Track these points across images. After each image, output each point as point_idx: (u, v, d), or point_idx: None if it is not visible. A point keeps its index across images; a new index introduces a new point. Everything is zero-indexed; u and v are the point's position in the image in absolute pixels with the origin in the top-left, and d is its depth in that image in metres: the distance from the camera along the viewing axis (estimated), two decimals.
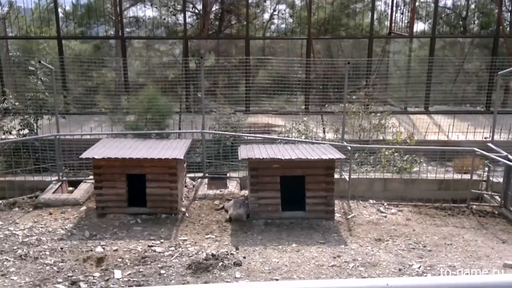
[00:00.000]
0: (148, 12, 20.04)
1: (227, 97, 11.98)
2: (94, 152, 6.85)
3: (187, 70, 11.83)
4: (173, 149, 7.22)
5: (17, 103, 9.74)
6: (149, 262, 5.30)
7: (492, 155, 7.59)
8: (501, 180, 7.89)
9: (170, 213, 7.08)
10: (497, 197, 7.90)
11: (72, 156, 8.62)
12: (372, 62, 12.92)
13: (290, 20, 15.73)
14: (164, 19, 14.35)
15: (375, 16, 14.58)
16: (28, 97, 9.52)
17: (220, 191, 8.05)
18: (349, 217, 7.15)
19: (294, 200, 6.95)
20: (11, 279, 4.81)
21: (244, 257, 5.47)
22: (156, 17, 14.48)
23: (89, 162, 7.84)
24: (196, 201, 7.70)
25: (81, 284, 4.73)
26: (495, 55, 12.94)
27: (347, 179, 8.08)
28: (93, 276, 4.97)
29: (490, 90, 12.83)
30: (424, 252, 5.79)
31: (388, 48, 14.62)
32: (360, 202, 7.87)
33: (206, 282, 4.59)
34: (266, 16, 15.82)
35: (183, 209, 7.31)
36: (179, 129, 10.36)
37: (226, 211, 7.17)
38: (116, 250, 5.65)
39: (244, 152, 7.05)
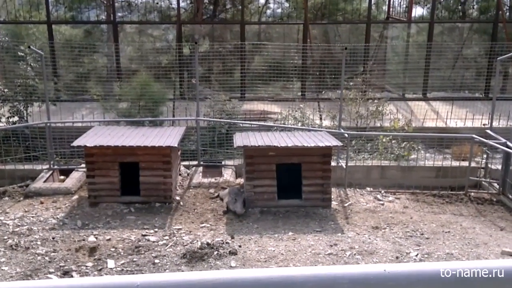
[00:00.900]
0: None
1: (222, 84, 11.84)
2: (86, 140, 6.79)
3: (180, 56, 11.64)
4: (167, 136, 7.13)
5: (6, 90, 9.57)
6: (142, 252, 5.28)
7: (491, 142, 7.59)
8: (499, 167, 7.91)
9: (164, 202, 7.02)
10: (495, 185, 7.91)
11: (63, 144, 8.59)
12: (369, 47, 12.82)
13: (286, 4, 15.78)
14: (157, 3, 14.15)
15: (373, 0, 14.55)
16: (18, 83, 9.37)
17: (215, 179, 7.99)
18: (346, 205, 7.15)
19: (291, 188, 6.94)
20: (2, 269, 4.79)
21: (240, 246, 5.46)
22: (148, 1, 14.24)
23: (81, 150, 7.84)
24: (190, 190, 7.65)
25: (74, 274, 4.69)
26: (495, 41, 12.90)
27: (344, 166, 8.08)
28: (86, 266, 4.95)
29: (489, 76, 12.81)
30: (422, 240, 5.79)
31: (386, 34, 14.45)
32: (357, 190, 7.86)
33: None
34: (262, 0, 16.12)
35: (178, 198, 7.28)
36: (173, 116, 10.31)
37: (222, 199, 7.16)
38: (109, 240, 5.62)
39: (240, 139, 7.00)
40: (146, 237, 5.72)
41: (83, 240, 5.64)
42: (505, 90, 13.37)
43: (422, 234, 6.00)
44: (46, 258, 5.12)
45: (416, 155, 8.83)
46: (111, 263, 4.96)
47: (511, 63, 12.59)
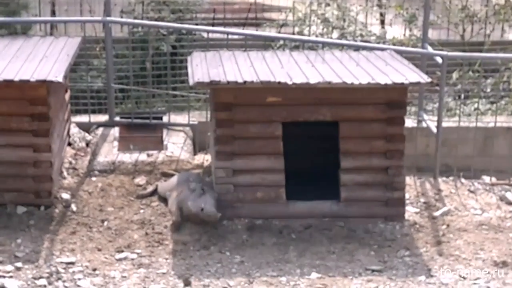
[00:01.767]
0: None
1: None
2: None
3: None
4: (38, 60, 6.93)
5: None
6: None
7: None
8: None
9: (36, 205, 6.86)
10: None
11: None
12: None
13: None
14: None
15: None
16: None
17: (148, 154, 7.66)
18: (436, 213, 6.96)
19: (314, 178, 6.96)
20: None
21: None
22: None
23: None
24: (94, 178, 7.44)
25: None
26: None
27: (434, 129, 7.77)
28: None
29: None
30: None
31: None
32: (462, 181, 7.57)
33: None
34: None
35: (67, 196, 7.09)
36: (53, 14, 10.32)
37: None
38: None
39: (201, 67, 6.79)
40: None
41: None
42: None
43: None
44: None
45: None
46: None
47: None
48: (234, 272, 5.79)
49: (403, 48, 8.41)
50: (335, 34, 9.65)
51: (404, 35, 10.09)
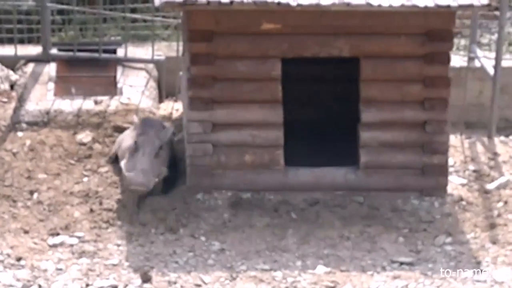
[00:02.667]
0: None
1: None
2: None
3: None
4: None
5: None
6: None
7: None
8: None
9: None
10: None
11: None
12: None
13: None
14: None
15: None
16: None
17: (96, 101, 7.77)
18: (490, 186, 6.99)
19: (323, 135, 7.22)
20: None
21: None
22: None
23: None
24: (20, 133, 7.52)
25: None
26: None
27: (490, 70, 7.80)
28: None
29: None
30: None
31: None
32: None
33: None
34: None
35: None
36: None
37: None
38: None
39: None
40: None
41: None
42: None
43: None
44: None
45: None
46: None
47: None
48: (211, 264, 5.79)
49: None
50: None
51: None
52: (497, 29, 8.18)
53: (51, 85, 7.96)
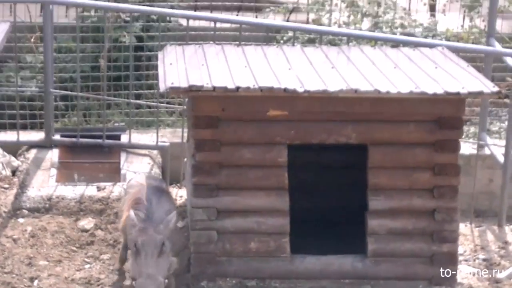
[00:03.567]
0: None
1: None
2: None
3: None
4: None
5: None
6: None
7: None
8: None
9: None
10: None
11: None
12: None
13: None
14: None
15: None
16: None
17: (99, 187, 7.86)
18: (502, 275, 6.94)
19: (330, 224, 7.23)
20: None
21: None
22: None
23: None
24: (21, 219, 7.51)
25: None
26: None
27: (500, 158, 7.91)
28: None
29: None
30: None
31: None
32: None
33: None
34: None
35: None
36: None
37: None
38: None
39: (178, 68, 6.84)
40: None
41: None
42: None
43: None
44: None
45: None
46: None
47: None
48: None
49: (461, 44, 8.40)
50: (366, 23, 9.86)
51: (462, 26, 10.29)
52: (507, 116, 8.27)
53: (54, 171, 8.00)
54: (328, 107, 6.32)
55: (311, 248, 6.67)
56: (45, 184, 7.83)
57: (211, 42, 7.90)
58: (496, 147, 8.22)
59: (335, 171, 7.20)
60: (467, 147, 8.03)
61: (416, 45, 7.75)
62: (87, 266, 6.93)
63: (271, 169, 6.42)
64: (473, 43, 9.22)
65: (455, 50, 7.52)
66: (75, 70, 8.96)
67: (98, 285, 6.66)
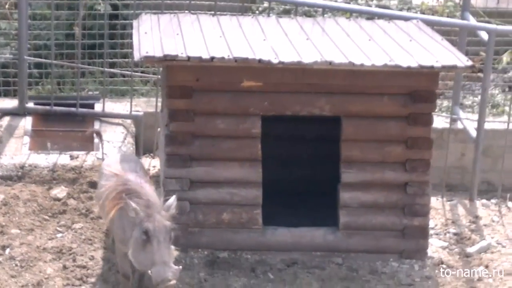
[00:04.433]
0: None
1: None
2: None
3: None
4: None
5: None
6: None
7: None
8: None
9: None
10: None
11: None
12: None
13: None
14: None
15: None
16: None
17: (72, 156, 7.84)
18: (472, 249, 6.97)
19: (302, 195, 7.20)
20: None
21: None
22: None
23: None
24: None
25: None
26: None
27: (473, 132, 7.92)
28: None
29: None
30: None
31: None
32: (510, 204, 7.70)
33: None
34: None
35: None
36: None
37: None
38: None
39: (153, 37, 6.85)
40: None
41: None
42: None
43: None
44: None
45: None
46: None
47: None
48: None
49: (435, 17, 8.41)
50: None
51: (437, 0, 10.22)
52: (480, 91, 8.25)
53: (27, 139, 8.01)
54: (302, 79, 6.34)
55: (284, 220, 6.70)
56: (18, 152, 7.85)
57: (186, 11, 7.94)
58: (468, 121, 8.27)
59: (309, 143, 7.22)
60: (440, 121, 8.12)
61: (391, 17, 7.82)
62: (59, 235, 6.91)
63: (245, 140, 6.47)
64: (448, 16, 9.26)
65: (430, 24, 7.59)
66: (50, 37, 9.03)
67: (70, 254, 6.64)
